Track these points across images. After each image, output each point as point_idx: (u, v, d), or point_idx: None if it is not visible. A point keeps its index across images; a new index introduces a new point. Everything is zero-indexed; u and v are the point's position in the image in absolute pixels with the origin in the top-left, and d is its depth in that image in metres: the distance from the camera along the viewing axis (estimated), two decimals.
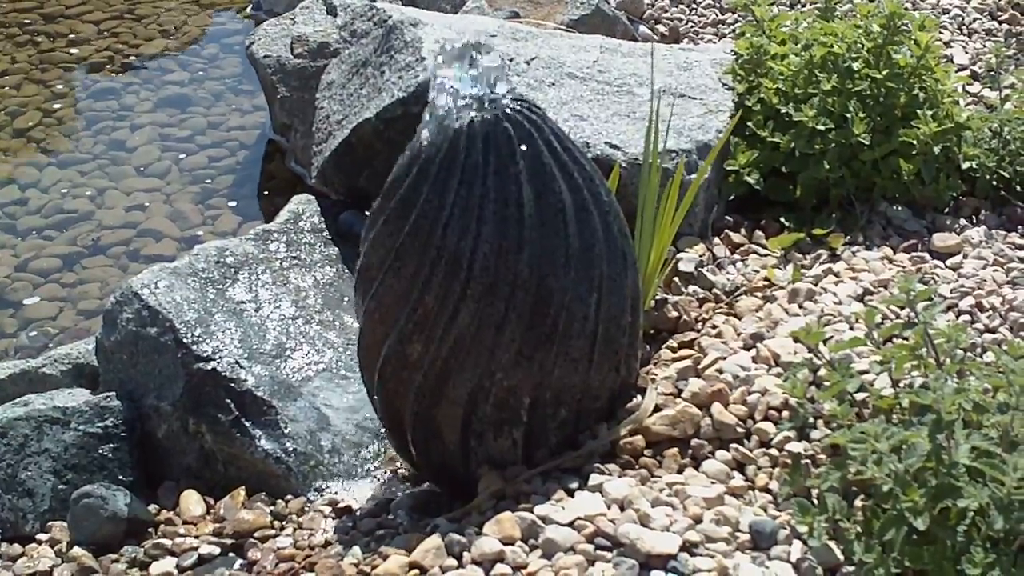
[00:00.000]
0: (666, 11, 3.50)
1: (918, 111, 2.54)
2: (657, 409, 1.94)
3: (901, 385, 1.89)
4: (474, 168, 1.78)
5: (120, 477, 2.18)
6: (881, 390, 1.89)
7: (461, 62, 1.82)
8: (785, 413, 1.92)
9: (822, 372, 1.93)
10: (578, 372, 1.85)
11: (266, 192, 3.50)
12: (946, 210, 2.56)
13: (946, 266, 2.39)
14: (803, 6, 3.33)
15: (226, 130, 3.89)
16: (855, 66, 2.58)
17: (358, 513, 2.00)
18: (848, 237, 2.49)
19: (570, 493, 1.78)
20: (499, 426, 1.86)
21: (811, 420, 1.89)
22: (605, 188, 1.89)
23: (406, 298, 1.82)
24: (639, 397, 1.95)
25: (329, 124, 2.76)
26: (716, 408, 1.92)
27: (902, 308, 1.92)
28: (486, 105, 1.80)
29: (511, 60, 2.67)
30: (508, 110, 1.81)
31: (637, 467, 1.85)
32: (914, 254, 2.42)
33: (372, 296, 1.86)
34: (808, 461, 1.84)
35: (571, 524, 1.69)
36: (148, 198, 3.55)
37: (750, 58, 2.69)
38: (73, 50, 4.34)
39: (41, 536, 2.10)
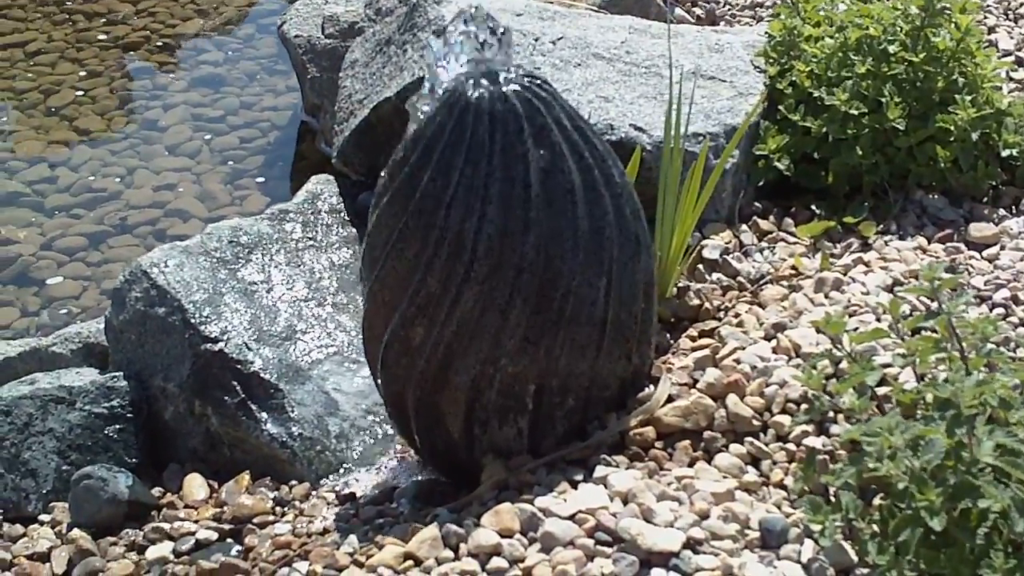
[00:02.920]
0: None
1: (956, 96, 2.44)
2: (670, 400, 1.87)
3: (927, 379, 1.81)
4: (479, 146, 1.72)
5: (125, 459, 2.14)
6: (904, 384, 1.82)
7: (468, 36, 1.76)
8: (804, 406, 1.85)
9: (844, 364, 1.85)
10: (586, 359, 1.79)
11: (296, 173, 3.46)
12: (984, 199, 2.47)
13: (982, 257, 2.29)
14: None
15: (259, 111, 3.86)
16: (891, 49, 2.49)
17: (361, 500, 1.94)
18: (881, 226, 2.40)
19: (574, 485, 1.71)
20: (504, 414, 1.80)
21: (830, 414, 1.81)
22: (619, 169, 1.82)
23: (408, 280, 1.76)
24: (651, 387, 1.88)
25: (351, 103, 2.70)
26: (731, 400, 1.85)
27: (931, 299, 1.84)
28: (494, 81, 1.74)
29: (536, 40, 2.60)
30: (516, 87, 1.74)
31: (646, 459, 1.78)
32: (949, 244, 2.33)
33: (376, 278, 1.81)
34: (826, 457, 1.76)
35: (571, 517, 1.62)
36: (177, 178, 3.52)
37: (783, 40, 2.61)
38: (109, 29, 4.32)
39: (43, 517, 2.07)
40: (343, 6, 3.44)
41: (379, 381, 1.87)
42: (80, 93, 3.94)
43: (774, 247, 2.37)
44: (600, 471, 1.73)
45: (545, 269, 1.73)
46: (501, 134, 1.72)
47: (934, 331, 1.78)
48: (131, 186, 3.49)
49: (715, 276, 2.28)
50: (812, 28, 2.62)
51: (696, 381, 1.91)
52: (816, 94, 2.49)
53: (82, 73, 4.06)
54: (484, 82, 1.74)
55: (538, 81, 1.78)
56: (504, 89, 1.74)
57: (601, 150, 1.80)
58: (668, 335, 2.15)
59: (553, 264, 1.73)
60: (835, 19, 2.60)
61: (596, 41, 2.65)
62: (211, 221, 3.34)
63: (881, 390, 1.83)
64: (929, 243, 2.34)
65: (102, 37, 4.26)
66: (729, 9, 3.33)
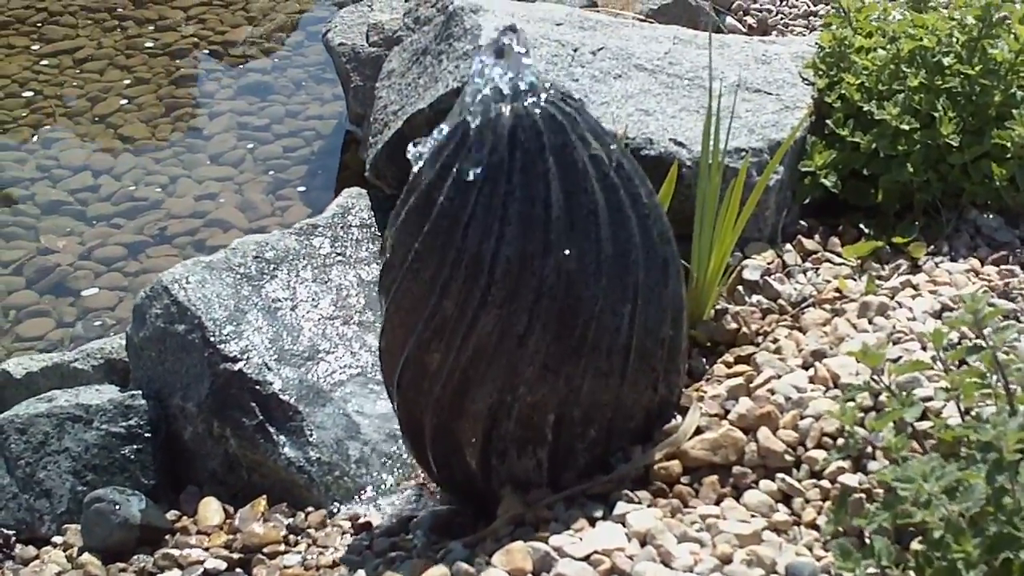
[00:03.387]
0: (755, 1, 3.31)
1: (1014, 111, 2.33)
2: (698, 432, 1.78)
3: (972, 415, 1.70)
4: (498, 164, 1.64)
5: (142, 480, 2.09)
6: (948, 419, 1.71)
7: (492, 50, 1.69)
8: (840, 441, 1.75)
9: (883, 397, 1.75)
10: (609, 389, 1.70)
11: (339, 184, 3.41)
12: None
13: None
14: None
15: (304, 119, 3.81)
16: (946, 61, 2.38)
17: (376, 531, 1.87)
18: (932, 247, 2.29)
19: (592, 522, 1.63)
20: (522, 445, 1.72)
21: (868, 449, 1.71)
22: (647, 189, 1.74)
23: (425, 302, 1.68)
24: (679, 417, 1.79)
25: (386, 114, 2.64)
26: (763, 433, 1.76)
27: (974, 332, 1.73)
28: (515, 97, 1.66)
29: (575, 50, 2.52)
30: (539, 102, 1.66)
31: (670, 496, 1.69)
32: (1003, 267, 2.21)
33: (392, 299, 1.74)
34: (863, 496, 1.66)
35: (586, 558, 1.54)
36: (219, 187, 3.48)
37: (832, 51, 2.50)
38: (159, 36, 4.30)
39: (57, 539, 2.02)
40: (388, 14, 3.38)
41: (395, 405, 1.80)
42: (126, 101, 3.92)
43: (818, 268, 2.27)
44: (620, 508, 1.64)
45: (566, 294, 1.64)
46: (521, 152, 1.64)
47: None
48: (173, 195, 3.46)
49: (755, 298, 2.19)
50: (863, 39, 2.51)
51: (727, 412, 1.82)
52: (866, 108, 2.38)
53: (129, 80, 4.04)
54: (505, 97, 1.66)
55: (562, 95, 1.70)
56: (526, 104, 1.66)
57: (628, 169, 1.71)
58: (704, 359, 2.06)
59: (574, 289, 1.65)
60: (887, 30, 2.49)
61: (638, 52, 2.56)
62: (251, 232, 3.30)
63: (924, 424, 1.73)
64: (982, 265, 2.23)
65: (150, 44, 4.24)
66: (782, 18, 3.23)
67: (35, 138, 3.76)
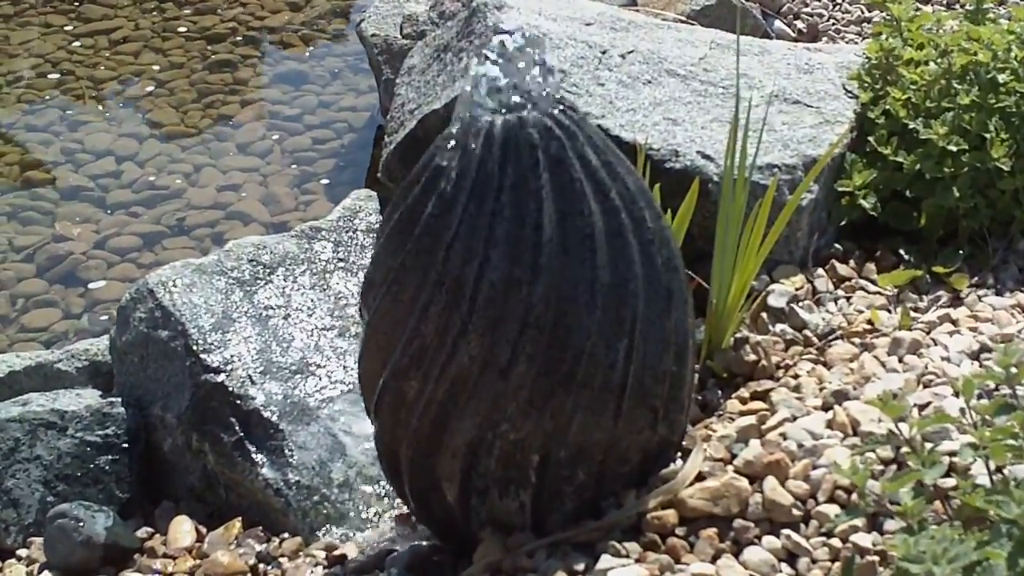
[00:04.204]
0: (807, 5, 3.13)
1: None
2: (700, 478, 1.63)
3: (1004, 474, 1.54)
4: (487, 179, 1.50)
5: (117, 492, 1.98)
6: (975, 478, 1.55)
7: (491, 53, 1.54)
8: (856, 496, 1.59)
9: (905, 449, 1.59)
10: (601, 428, 1.56)
11: (368, 180, 3.29)
12: None
13: None
14: (960, 6, 2.92)
15: (336, 110, 3.70)
16: (1001, 78, 2.20)
17: (350, 565, 1.74)
18: (976, 278, 2.12)
19: None
20: (504, 485, 1.58)
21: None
22: (653, 211, 1.59)
23: (403, 326, 1.55)
24: (679, 461, 1.64)
25: (403, 113, 2.50)
26: (770, 483, 1.60)
27: (1006, 388, 1.57)
28: (510, 105, 1.52)
29: (604, 52, 2.37)
30: (536, 113, 1.52)
31: (662, 549, 1.54)
32: None
33: (371, 320, 1.60)
34: (876, 558, 1.50)
35: None
36: (243, 178, 3.37)
37: (879, 63, 2.33)
38: (197, 19, 4.20)
39: (21, 552, 1.91)
40: (424, 5, 3.25)
41: (374, 432, 1.67)
42: (158, 85, 3.82)
43: (851, 296, 2.11)
44: (604, 562, 1.50)
45: (555, 325, 1.50)
46: (513, 167, 1.50)
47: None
48: (195, 184, 3.36)
49: (779, 327, 2.03)
50: (914, 51, 2.33)
51: (734, 456, 1.67)
52: (911, 125, 2.21)
53: (162, 64, 3.94)
54: (499, 105, 1.52)
55: (563, 106, 1.55)
56: (521, 114, 1.51)
57: (633, 190, 1.56)
58: (720, 392, 1.92)
59: (564, 320, 1.50)
60: (940, 42, 2.31)
61: (671, 56, 2.40)
62: (273, 226, 3.19)
63: (949, 481, 1.57)
64: None
65: (188, 27, 4.14)
66: (834, 24, 3.05)
67: (62, 120, 3.67)
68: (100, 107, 3.75)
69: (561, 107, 1.54)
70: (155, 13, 4.26)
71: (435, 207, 1.51)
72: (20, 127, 3.67)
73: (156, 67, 3.93)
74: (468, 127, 1.52)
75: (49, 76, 3.90)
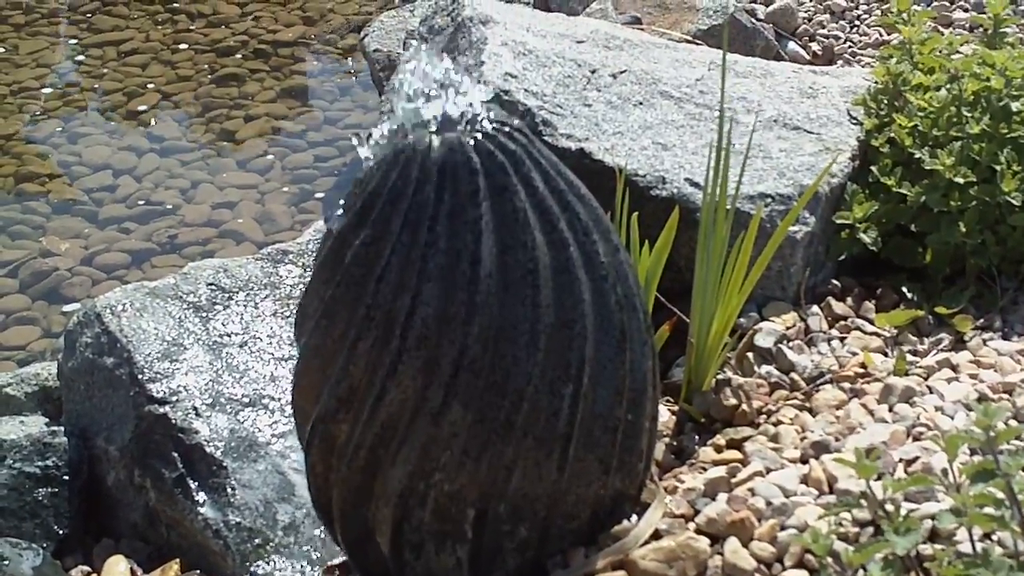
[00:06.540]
0: (823, 27, 2.98)
1: None
2: (656, 535, 1.49)
3: (990, 540, 1.40)
4: (421, 207, 1.37)
5: (54, 528, 1.87)
6: (957, 544, 1.41)
7: (429, 67, 1.42)
8: (830, 560, 1.45)
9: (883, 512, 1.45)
10: (543, 482, 1.42)
11: None
12: None
13: None
14: (985, 31, 2.77)
15: (342, 127, 3.59)
16: (1015, 106, 2.05)
17: None
18: (982, 320, 1.97)
19: None
20: (440, 539, 1.45)
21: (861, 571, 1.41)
22: (608, 246, 1.45)
23: (332, 364, 1.43)
24: (634, 517, 1.51)
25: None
26: (731, 544, 1.46)
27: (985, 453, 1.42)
28: (450, 125, 1.40)
29: (593, 72, 2.24)
30: (479, 135, 1.40)
31: None
32: None
33: (302, 354, 1.48)
34: None
35: None
36: (240, 195, 3.27)
37: (886, 87, 2.19)
38: (208, 31, 4.11)
39: None
40: None
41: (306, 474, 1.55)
42: (162, 98, 3.73)
43: (845, 337, 1.96)
44: None
45: (492, 368, 1.37)
46: (450, 193, 1.37)
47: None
48: (191, 201, 3.26)
49: (764, 369, 1.89)
50: (923, 75, 2.19)
51: (697, 512, 1.53)
52: (917, 155, 2.06)
53: (169, 76, 3.85)
54: (439, 126, 1.40)
55: (512, 128, 1.43)
56: (462, 137, 1.39)
57: (585, 220, 1.43)
58: (696, 437, 1.78)
59: (502, 362, 1.37)
60: (951, 67, 2.17)
61: (666, 77, 2.27)
62: (266, 245, 3.07)
63: (929, 548, 1.42)
64: None
65: (198, 39, 4.06)
66: (850, 46, 2.90)
67: (62, 132, 3.59)
68: (102, 119, 3.67)
69: (507, 128, 1.42)
70: (167, 25, 4.18)
71: (367, 236, 1.39)
72: (19, 138, 3.59)
73: (163, 79, 3.84)
74: (404, 148, 1.40)
75: (53, 87, 3.82)
